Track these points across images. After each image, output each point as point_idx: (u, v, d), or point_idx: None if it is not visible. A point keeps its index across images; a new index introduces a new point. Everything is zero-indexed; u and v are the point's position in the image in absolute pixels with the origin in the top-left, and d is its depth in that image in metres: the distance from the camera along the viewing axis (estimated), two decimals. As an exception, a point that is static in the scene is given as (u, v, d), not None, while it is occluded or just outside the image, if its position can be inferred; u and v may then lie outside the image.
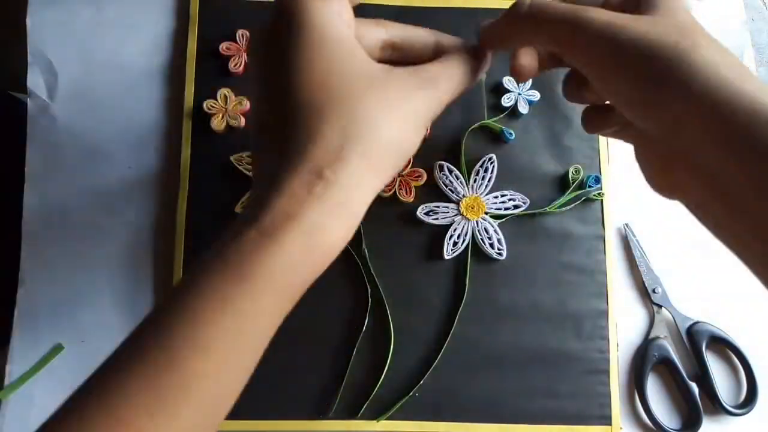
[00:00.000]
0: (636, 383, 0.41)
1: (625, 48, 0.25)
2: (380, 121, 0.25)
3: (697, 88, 0.24)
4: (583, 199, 0.43)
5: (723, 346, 0.42)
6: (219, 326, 0.23)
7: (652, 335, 0.42)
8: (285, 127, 0.25)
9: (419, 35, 0.30)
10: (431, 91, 0.27)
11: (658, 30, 0.25)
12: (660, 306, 0.43)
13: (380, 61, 0.28)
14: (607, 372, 0.42)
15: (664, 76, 0.24)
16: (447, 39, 0.31)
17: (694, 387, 0.41)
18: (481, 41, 0.31)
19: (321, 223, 0.24)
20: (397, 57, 0.30)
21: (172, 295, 0.24)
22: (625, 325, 0.43)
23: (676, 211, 0.45)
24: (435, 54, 0.30)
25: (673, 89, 0.24)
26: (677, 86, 0.24)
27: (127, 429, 0.21)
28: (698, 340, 0.41)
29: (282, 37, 0.26)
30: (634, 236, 0.43)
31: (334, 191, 0.24)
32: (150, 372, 0.22)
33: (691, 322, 0.42)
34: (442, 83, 0.28)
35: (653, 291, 0.43)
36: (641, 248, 0.43)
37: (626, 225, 0.44)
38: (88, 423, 0.21)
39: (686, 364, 0.42)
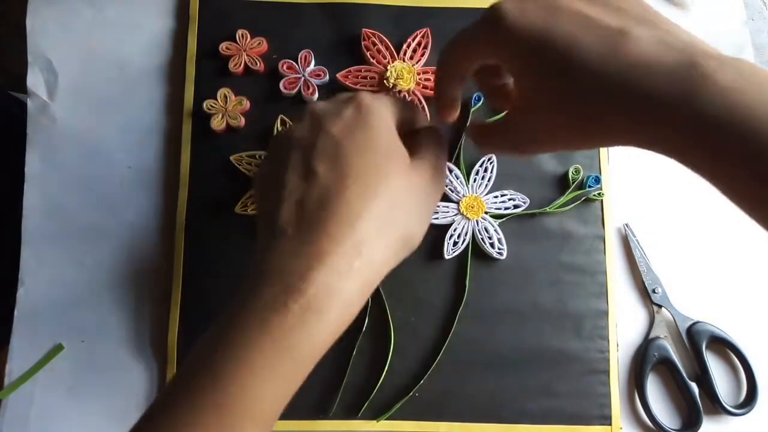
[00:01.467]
0: (636, 383, 0.41)
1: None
2: (410, 215, 0.29)
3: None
4: (583, 199, 0.43)
5: (723, 346, 0.42)
6: (267, 395, 0.25)
7: (652, 335, 0.42)
8: (334, 200, 0.27)
9: (420, 121, 0.34)
10: (441, 184, 0.32)
11: None
12: (660, 306, 0.43)
13: None
14: (607, 372, 0.42)
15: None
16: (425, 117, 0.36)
17: (694, 387, 0.41)
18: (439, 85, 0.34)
19: (353, 298, 0.27)
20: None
21: (211, 370, 0.25)
22: (625, 325, 0.43)
23: (676, 211, 0.45)
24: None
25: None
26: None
27: None
28: (698, 340, 0.41)
29: (355, 122, 0.29)
30: (634, 236, 0.43)
31: (368, 269, 0.27)
32: None
33: (691, 322, 0.42)
34: (445, 170, 0.33)
35: (653, 291, 0.43)
36: (641, 248, 0.43)
37: (626, 225, 0.44)
38: None
39: (686, 364, 0.42)
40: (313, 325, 0.25)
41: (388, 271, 0.29)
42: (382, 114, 0.30)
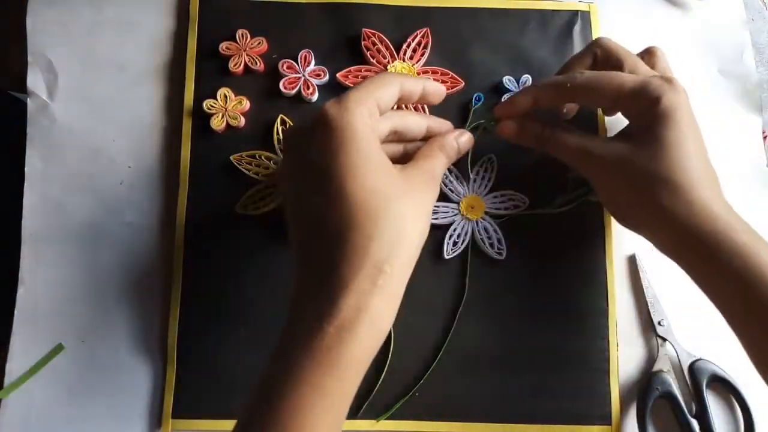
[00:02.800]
0: (638, 415, 0.41)
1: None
2: (414, 220, 0.31)
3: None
4: (583, 198, 0.43)
5: (723, 386, 0.41)
6: (318, 413, 0.27)
7: (655, 368, 0.41)
8: (345, 229, 0.29)
9: (415, 122, 0.36)
10: (434, 186, 0.34)
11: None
12: (665, 339, 0.42)
13: (384, 142, 0.34)
14: (607, 372, 0.42)
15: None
16: (435, 122, 0.37)
17: (695, 423, 0.40)
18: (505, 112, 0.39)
19: (381, 310, 0.29)
20: (397, 139, 0.36)
21: (272, 389, 0.28)
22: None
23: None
24: (426, 135, 0.37)
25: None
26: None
27: None
28: (699, 378, 0.41)
29: (331, 147, 0.29)
30: (643, 268, 0.43)
31: (391, 282, 0.29)
32: None
33: (694, 359, 0.41)
34: (439, 173, 0.35)
35: (659, 323, 0.42)
36: (648, 280, 0.43)
37: (635, 255, 0.43)
38: None
39: (687, 399, 0.41)
40: (349, 342, 0.28)
41: (409, 274, 0.31)
42: (354, 122, 0.30)
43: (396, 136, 0.36)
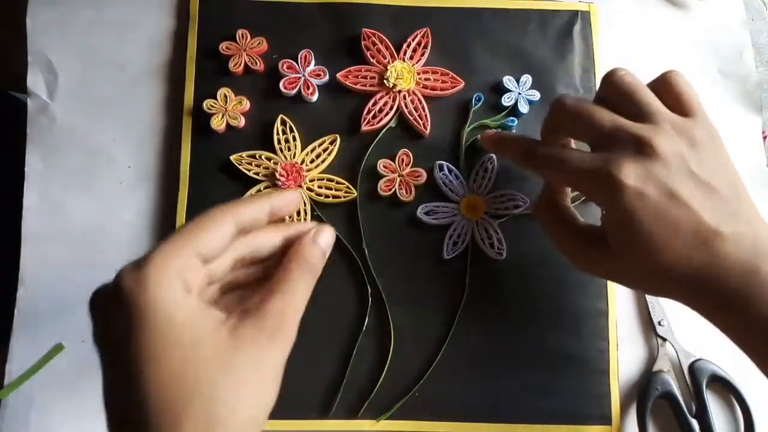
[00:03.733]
0: (638, 414, 0.41)
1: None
2: (241, 399, 0.24)
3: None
4: (583, 198, 0.43)
5: (723, 386, 0.41)
6: None
7: (655, 368, 0.41)
8: (148, 422, 0.23)
9: (266, 240, 0.29)
10: (284, 336, 0.26)
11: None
12: (665, 339, 0.42)
13: (231, 283, 0.28)
14: (606, 372, 0.42)
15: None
16: (293, 229, 0.30)
17: (695, 423, 0.40)
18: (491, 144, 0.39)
19: None
20: (249, 265, 0.29)
21: None
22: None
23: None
24: (285, 247, 0.29)
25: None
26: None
27: None
28: (699, 378, 0.41)
29: (122, 328, 0.24)
30: None
31: None
32: None
33: (694, 359, 0.41)
34: (297, 308, 0.27)
35: (659, 323, 0.42)
36: None
37: None
38: None
39: (687, 399, 0.41)
40: None
41: None
42: (153, 298, 0.23)
43: (249, 260, 0.29)
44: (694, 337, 0.42)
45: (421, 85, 0.43)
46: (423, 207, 0.42)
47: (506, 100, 0.44)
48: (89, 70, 0.45)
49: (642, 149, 0.30)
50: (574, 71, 0.45)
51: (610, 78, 0.34)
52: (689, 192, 0.30)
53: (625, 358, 0.42)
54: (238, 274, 0.29)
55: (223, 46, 0.43)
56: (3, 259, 0.44)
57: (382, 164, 0.42)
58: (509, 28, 0.45)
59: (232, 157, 0.42)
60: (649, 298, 0.43)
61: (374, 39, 0.44)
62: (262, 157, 0.42)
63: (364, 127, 0.43)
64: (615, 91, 0.33)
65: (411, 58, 0.44)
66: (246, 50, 0.43)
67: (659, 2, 0.47)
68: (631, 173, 0.29)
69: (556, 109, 0.35)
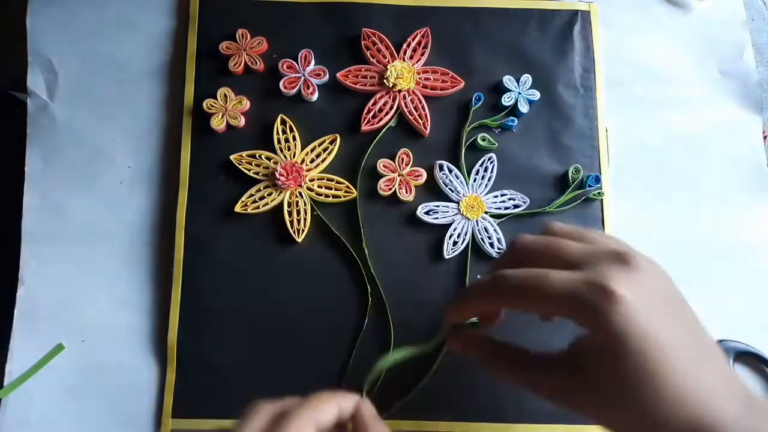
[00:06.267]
0: None
1: None
2: None
3: None
4: (583, 198, 0.43)
5: (751, 359, 0.41)
6: None
7: None
8: None
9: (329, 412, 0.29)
10: None
11: None
12: None
13: None
14: (607, 372, 0.41)
15: None
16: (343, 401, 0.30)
17: None
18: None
19: None
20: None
21: None
22: None
23: (684, 221, 0.45)
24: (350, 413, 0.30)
25: None
26: None
27: None
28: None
29: None
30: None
31: None
32: None
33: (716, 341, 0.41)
34: None
35: None
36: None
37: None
38: None
39: None
40: None
41: None
42: None
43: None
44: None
45: (421, 85, 0.43)
46: (423, 206, 0.42)
47: (506, 100, 0.44)
48: (89, 70, 0.45)
49: (624, 260, 0.28)
50: (574, 71, 0.45)
51: (532, 237, 0.33)
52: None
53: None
54: None
55: (223, 46, 0.43)
56: (3, 259, 0.44)
57: (382, 164, 0.42)
58: (509, 27, 0.45)
59: (232, 157, 0.42)
60: None
61: (374, 39, 0.44)
62: (262, 156, 0.42)
63: (364, 127, 0.43)
64: (546, 243, 0.32)
65: (411, 57, 0.44)
66: (246, 50, 0.43)
67: (659, 2, 0.47)
68: (622, 283, 0.27)
69: (517, 246, 0.33)
